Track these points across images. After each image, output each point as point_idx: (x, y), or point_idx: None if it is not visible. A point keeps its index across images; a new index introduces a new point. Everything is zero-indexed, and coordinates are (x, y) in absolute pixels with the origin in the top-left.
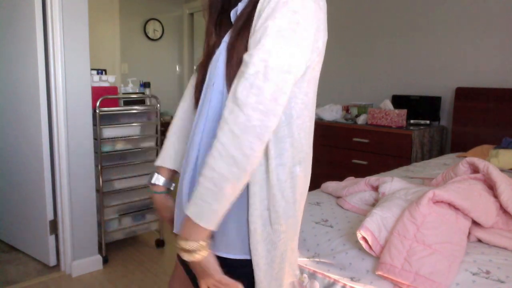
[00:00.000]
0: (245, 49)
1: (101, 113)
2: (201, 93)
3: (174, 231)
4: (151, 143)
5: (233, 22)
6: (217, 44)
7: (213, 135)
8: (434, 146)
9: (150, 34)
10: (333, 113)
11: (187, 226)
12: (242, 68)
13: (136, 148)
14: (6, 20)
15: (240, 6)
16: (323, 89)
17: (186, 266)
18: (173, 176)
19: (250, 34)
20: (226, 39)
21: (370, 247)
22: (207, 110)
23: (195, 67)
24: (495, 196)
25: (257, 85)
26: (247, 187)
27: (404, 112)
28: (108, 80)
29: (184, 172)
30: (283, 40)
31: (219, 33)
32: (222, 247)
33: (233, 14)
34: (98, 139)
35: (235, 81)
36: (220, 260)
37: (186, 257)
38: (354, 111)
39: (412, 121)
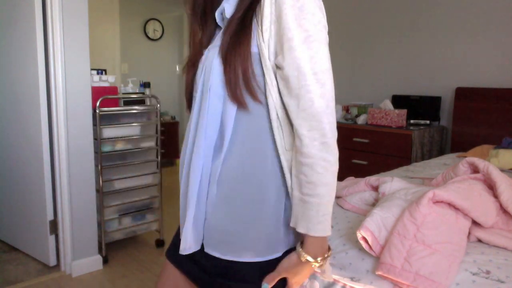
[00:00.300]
0: (245, 56)
1: (101, 113)
2: (192, 94)
3: (183, 252)
4: (151, 143)
5: (219, 23)
6: (204, 45)
7: (215, 145)
8: (434, 146)
9: (150, 34)
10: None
11: (316, 245)
12: (308, 103)
13: (136, 148)
14: (6, 20)
15: (227, 8)
16: None
17: (188, 268)
18: None
19: (268, 37)
20: (217, 43)
21: (370, 247)
22: (205, 121)
23: (178, 68)
24: (495, 196)
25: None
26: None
27: (404, 112)
28: (108, 80)
29: (187, 188)
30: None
31: (205, 32)
32: (271, 250)
33: (218, 15)
34: (98, 139)
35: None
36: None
37: (318, 270)
38: (354, 111)
39: (412, 121)
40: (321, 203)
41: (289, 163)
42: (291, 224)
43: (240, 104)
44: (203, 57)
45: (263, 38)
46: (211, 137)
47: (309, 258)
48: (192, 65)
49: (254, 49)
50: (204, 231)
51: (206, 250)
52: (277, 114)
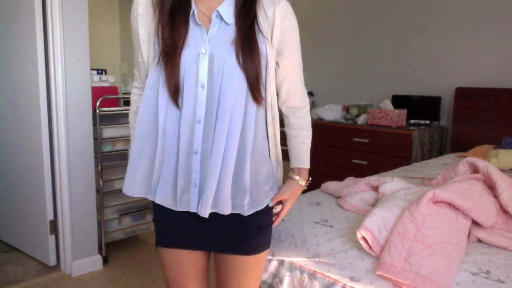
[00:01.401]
0: (259, 60)
1: (101, 113)
2: (178, 87)
3: (203, 213)
4: None
5: (212, 24)
6: (177, 41)
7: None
8: (434, 146)
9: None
10: (333, 113)
11: (305, 172)
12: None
13: None
14: (6, 20)
15: (224, 13)
16: (323, 89)
17: (201, 241)
18: None
19: (272, 42)
20: (219, 44)
21: (370, 247)
22: (227, 126)
23: (140, 61)
24: (495, 196)
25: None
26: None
27: (404, 112)
28: (108, 80)
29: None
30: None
31: (175, 29)
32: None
33: (214, 17)
34: (98, 139)
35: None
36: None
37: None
38: (354, 111)
39: (412, 121)
40: (307, 146)
41: (273, 144)
42: (293, 165)
43: (259, 103)
44: (204, 54)
45: (273, 43)
46: (236, 131)
47: (303, 182)
48: (170, 60)
49: (263, 52)
50: (245, 194)
51: (249, 210)
52: (271, 109)
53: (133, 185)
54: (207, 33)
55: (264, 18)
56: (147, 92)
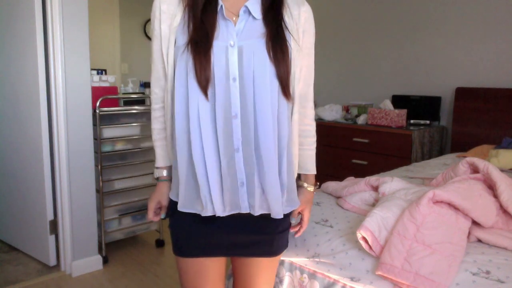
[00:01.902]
0: (288, 58)
1: (101, 113)
2: (209, 79)
3: (256, 212)
4: (151, 143)
5: (239, 19)
6: (211, 33)
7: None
8: (434, 146)
9: (150, 34)
10: (333, 113)
11: (312, 178)
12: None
13: (136, 148)
14: (6, 20)
15: (253, 9)
16: (323, 89)
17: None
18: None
19: (293, 44)
20: (249, 38)
21: (370, 247)
22: (268, 122)
23: (178, 46)
24: (495, 196)
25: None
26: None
27: (404, 112)
28: (108, 80)
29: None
30: None
31: (207, 21)
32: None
33: (242, 12)
34: (98, 139)
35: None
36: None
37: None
38: (354, 111)
39: (412, 121)
40: (313, 152)
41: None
42: (304, 171)
43: (288, 99)
44: (232, 47)
45: (299, 44)
46: (275, 127)
47: (311, 188)
48: (200, 50)
49: (289, 49)
50: (283, 194)
51: (286, 208)
52: (297, 106)
53: (190, 200)
54: (235, 27)
55: (290, 17)
56: (179, 90)
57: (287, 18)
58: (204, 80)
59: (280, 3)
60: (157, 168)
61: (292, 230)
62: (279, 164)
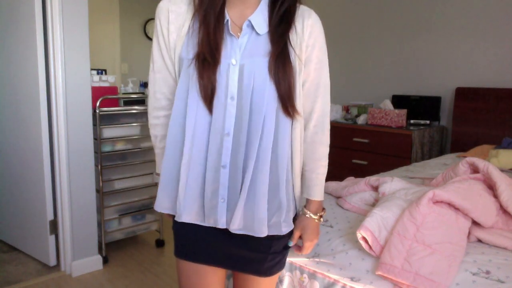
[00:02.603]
0: (291, 74)
1: (101, 113)
2: (213, 94)
3: (233, 229)
4: (151, 143)
5: (242, 33)
6: (219, 50)
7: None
8: (434, 146)
9: (150, 34)
10: (333, 113)
11: (318, 205)
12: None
13: (136, 148)
14: (6, 20)
15: (256, 24)
16: None
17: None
18: None
19: (298, 56)
20: (253, 55)
21: (370, 247)
22: (258, 140)
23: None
24: (495, 196)
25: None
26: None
27: (404, 112)
28: (108, 80)
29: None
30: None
31: (215, 34)
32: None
33: (245, 27)
34: (98, 139)
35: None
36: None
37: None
38: (354, 111)
39: (412, 121)
40: (322, 176)
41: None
42: (307, 196)
43: (292, 116)
44: (234, 66)
45: (301, 59)
46: (268, 145)
47: (312, 215)
48: (208, 66)
49: (294, 65)
50: (270, 215)
51: (286, 228)
52: (300, 123)
53: (164, 201)
54: (238, 41)
55: (293, 32)
56: (177, 102)
57: (291, 33)
58: (209, 96)
59: (289, 18)
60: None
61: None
62: (275, 183)
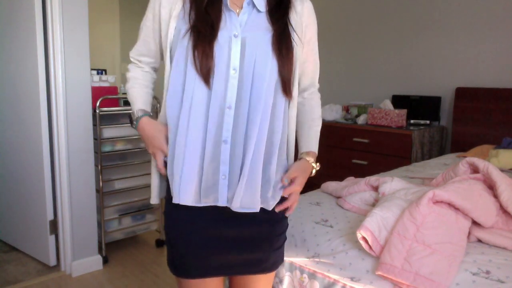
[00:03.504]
0: (292, 56)
1: (101, 113)
2: (211, 68)
3: (235, 207)
4: None
5: (243, 10)
6: (216, 23)
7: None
8: (434, 146)
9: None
10: (333, 113)
11: (315, 156)
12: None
13: (136, 148)
14: (6, 20)
15: (258, 2)
16: (323, 89)
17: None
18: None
19: (299, 37)
20: (252, 31)
21: (370, 247)
22: (260, 115)
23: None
24: (495, 196)
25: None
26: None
27: (404, 112)
28: (108, 80)
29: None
30: None
31: (212, 10)
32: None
33: (246, 4)
34: (98, 139)
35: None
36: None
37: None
38: (354, 111)
39: (412, 121)
40: (318, 130)
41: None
42: (306, 149)
43: (288, 96)
44: (236, 37)
45: (302, 42)
46: (267, 121)
47: (311, 159)
48: (203, 39)
49: (295, 50)
50: (271, 189)
51: (272, 202)
52: (295, 103)
53: (186, 191)
54: (238, 18)
55: (294, 12)
56: (175, 75)
57: (291, 13)
58: (205, 69)
59: (288, 1)
60: (138, 110)
61: (279, 209)
62: (267, 160)
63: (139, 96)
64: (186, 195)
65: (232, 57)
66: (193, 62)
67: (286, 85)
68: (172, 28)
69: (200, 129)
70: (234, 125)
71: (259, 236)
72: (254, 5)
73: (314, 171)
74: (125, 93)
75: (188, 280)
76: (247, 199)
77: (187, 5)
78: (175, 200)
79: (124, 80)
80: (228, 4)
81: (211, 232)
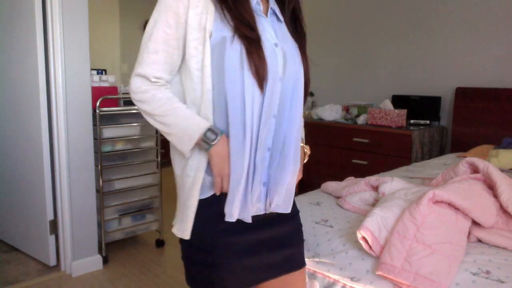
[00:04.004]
0: (309, 67)
1: (101, 113)
2: (266, 73)
3: (277, 210)
4: (151, 143)
5: (268, 18)
6: (257, 29)
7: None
8: (434, 146)
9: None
10: (333, 113)
11: (303, 141)
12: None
13: (136, 148)
14: (6, 20)
15: (275, 9)
16: (323, 89)
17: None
18: None
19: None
20: (287, 41)
21: (370, 247)
22: (297, 125)
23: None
24: (495, 196)
25: None
26: None
27: (404, 112)
28: (108, 80)
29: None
30: None
31: (249, 14)
32: None
33: (271, 13)
34: (98, 139)
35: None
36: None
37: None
38: (354, 111)
39: (412, 121)
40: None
41: None
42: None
43: (305, 102)
44: (277, 47)
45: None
46: (299, 129)
47: (306, 147)
48: (254, 44)
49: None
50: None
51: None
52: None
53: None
54: (270, 26)
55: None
56: (233, 82)
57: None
58: (262, 75)
59: (301, 16)
60: (208, 129)
61: None
62: (295, 162)
63: (193, 113)
64: (238, 209)
65: (278, 65)
66: (250, 68)
67: (306, 96)
68: (209, 32)
69: (254, 137)
70: (275, 133)
71: (289, 231)
72: (275, 14)
73: (306, 153)
74: (125, 93)
75: None
76: (285, 204)
77: (218, 7)
78: (231, 218)
79: (124, 80)
80: (262, 10)
81: (251, 239)
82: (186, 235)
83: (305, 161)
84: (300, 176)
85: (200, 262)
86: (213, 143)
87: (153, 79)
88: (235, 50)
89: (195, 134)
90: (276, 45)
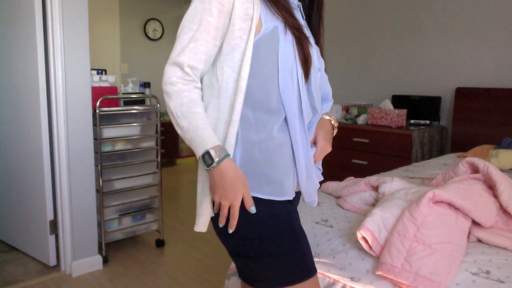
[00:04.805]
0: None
1: (101, 113)
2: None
3: (307, 200)
4: (151, 143)
5: (300, 20)
6: (297, 19)
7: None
8: (434, 146)
9: (150, 34)
10: (333, 113)
11: (330, 115)
12: None
13: (136, 148)
14: (6, 20)
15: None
16: None
17: None
18: None
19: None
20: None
21: (370, 247)
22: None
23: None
24: (495, 196)
25: None
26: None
27: (404, 112)
28: (108, 80)
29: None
30: None
31: (289, 6)
32: None
33: (300, 14)
34: (98, 139)
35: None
36: None
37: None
38: (354, 111)
39: (412, 121)
40: None
41: None
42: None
43: None
44: (316, 53)
45: None
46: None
47: (332, 119)
48: (302, 37)
49: None
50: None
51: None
52: None
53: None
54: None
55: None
56: (286, 72)
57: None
58: (308, 65)
59: (320, 9)
60: (215, 148)
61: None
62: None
63: (209, 127)
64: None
65: (315, 58)
66: (300, 58)
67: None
68: (256, 22)
69: (305, 126)
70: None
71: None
72: (301, 13)
73: (334, 126)
74: (125, 93)
75: (316, 275)
76: (314, 188)
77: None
78: (288, 197)
79: (124, 80)
80: (296, 4)
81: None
82: (201, 228)
83: (334, 134)
84: (330, 149)
85: (276, 215)
86: (208, 168)
87: (186, 69)
88: (288, 40)
89: (197, 151)
90: (311, 39)
